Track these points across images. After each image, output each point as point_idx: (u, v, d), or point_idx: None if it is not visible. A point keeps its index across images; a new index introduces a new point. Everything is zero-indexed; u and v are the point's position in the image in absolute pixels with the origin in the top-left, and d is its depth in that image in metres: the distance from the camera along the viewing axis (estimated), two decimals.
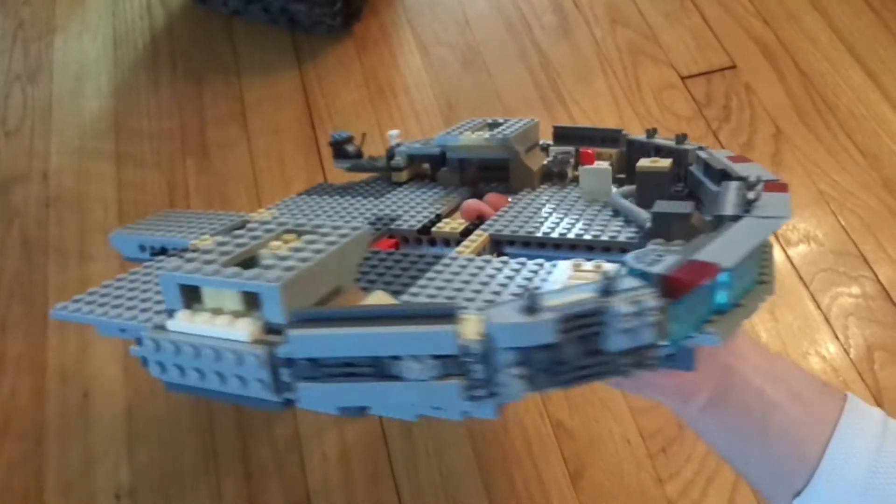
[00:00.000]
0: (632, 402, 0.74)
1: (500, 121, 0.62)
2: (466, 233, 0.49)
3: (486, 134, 0.60)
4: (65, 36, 1.15)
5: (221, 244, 0.35)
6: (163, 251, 0.55)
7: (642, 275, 0.30)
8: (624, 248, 0.45)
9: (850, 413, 0.40)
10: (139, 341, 0.33)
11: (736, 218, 0.38)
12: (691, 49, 1.02)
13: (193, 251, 0.34)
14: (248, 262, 0.34)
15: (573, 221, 0.49)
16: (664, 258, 0.32)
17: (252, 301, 0.32)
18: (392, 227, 0.53)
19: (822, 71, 0.98)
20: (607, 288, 0.28)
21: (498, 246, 0.49)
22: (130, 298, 0.44)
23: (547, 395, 0.75)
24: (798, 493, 0.39)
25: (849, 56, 0.99)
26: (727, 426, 0.42)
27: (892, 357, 0.75)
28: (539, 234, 0.47)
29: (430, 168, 0.66)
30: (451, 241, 0.50)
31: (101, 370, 0.81)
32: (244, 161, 0.97)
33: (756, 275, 0.36)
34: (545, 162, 0.60)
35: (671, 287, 0.30)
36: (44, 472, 0.75)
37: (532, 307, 0.27)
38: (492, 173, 0.61)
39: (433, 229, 0.51)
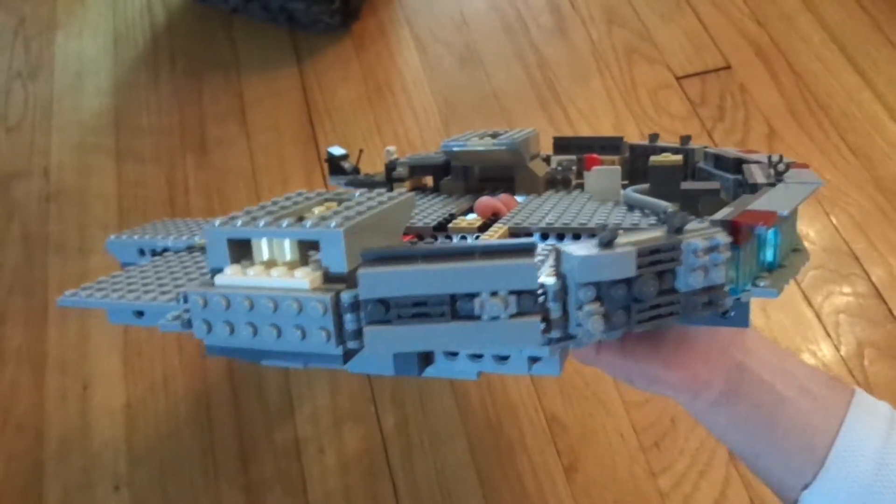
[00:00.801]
0: (625, 397, 0.75)
1: (501, 132, 0.61)
2: (483, 228, 0.49)
3: (492, 141, 0.59)
4: (65, 33, 1.15)
5: (263, 208, 0.33)
6: (165, 252, 0.53)
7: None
8: None
9: (858, 407, 0.41)
10: (184, 299, 0.31)
11: (771, 185, 0.39)
12: (686, 49, 1.03)
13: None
14: (298, 220, 0.32)
15: (590, 214, 0.49)
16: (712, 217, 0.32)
17: (307, 255, 0.31)
18: (406, 224, 0.53)
19: (815, 71, 0.99)
20: (677, 228, 0.28)
21: (516, 237, 0.48)
22: (145, 285, 0.43)
23: (542, 389, 0.76)
24: (807, 486, 0.40)
25: (841, 56, 1.00)
26: (737, 420, 0.43)
27: (881, 354, 0.76)
28: (559, 224, 0.47)
29: (434, 178, 0.65)
30: (469, 235, 0.50)
31: (100, 363, 0.82)
32: (243, 157, 0.98)
33: (793, 242, 0.38)
34: (549, 169, 0.60)
35: (735, 231, 0.30)
36: (43, 464, 0.76)
37: (610, 242, 0.27)
38: (496, 181, 0.60)
39: (449, 225, 0.50)
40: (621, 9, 1.08)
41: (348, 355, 0.29)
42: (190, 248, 0.52)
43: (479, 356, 0.36)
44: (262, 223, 0.30)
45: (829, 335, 0.78)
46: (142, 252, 0.55)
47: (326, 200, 0.36)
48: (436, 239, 0.51)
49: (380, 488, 0.72)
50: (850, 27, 1.03)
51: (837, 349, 0.77)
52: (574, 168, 0.61)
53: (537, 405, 0.75)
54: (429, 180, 0.66)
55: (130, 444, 0.77)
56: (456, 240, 0.50)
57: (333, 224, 0.29)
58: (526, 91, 1.01)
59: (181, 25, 1.14)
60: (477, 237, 0.48)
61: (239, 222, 0.31)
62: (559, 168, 0.61)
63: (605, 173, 0.54)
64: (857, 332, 0.78)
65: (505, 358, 0.35)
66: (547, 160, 0.63)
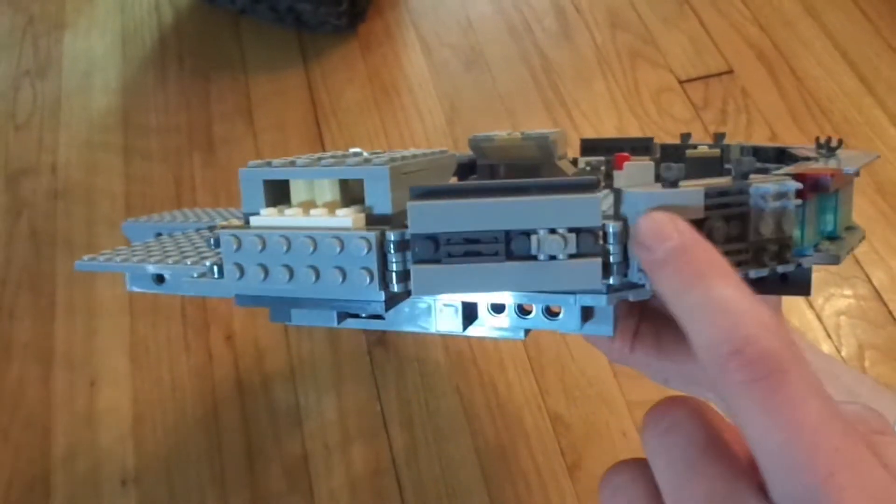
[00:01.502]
0: (628, 396, 0.76)
1: (527, 132, 0.60)
2: None
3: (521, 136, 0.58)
4: (74, 32, 1.16)
5: (300, 157, 0.32)
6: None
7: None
8: None
9: None
10: (216, 242, 0.29)
11: (825, 157, 0.38)
12: (689, 54, 1.04)
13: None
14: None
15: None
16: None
17: (348, 196, 0.29)
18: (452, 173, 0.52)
19: (817, 76, 1.00)
20: (744, 174, 0.27)
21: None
22: (167, 253, 0.41)
23: (545, 389, 0.77)
24: None
25: (843, 62, 1.01)
26: None
27: (882, 355, 0.77)
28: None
29: (458, 178, 0.63)
30: None
31: (107, 359, 0.83)
32: (250, 156, 0.99)
33: (848, 218, 0.37)
34: (576, 170, 0.59)
35: (802, 182, 0.28)
36: (50, 459, 0.77)
37: (675, 181, 0.25)
38: None
39: None
40: (625, 13, 1.09)
41: (391, 301, 0.28)
42: (212, 228, 0.50)
43: (528, 312, 0.34)
44: (301, 162, 0.29)
45: (829, 337, 0.78)
46: (159, 236, 0.53)
47: (366, 155, 0.35)
48: None
49: (384, 484, 0.73)
50: (851, 33, 1.04)
51: (838, 351, 0.77)
52: (602, 168, 0.60)
53: (541, 404, 0.76)
54: (453, 180, 0.65)
55: (137, 441, 0.77)
56: None
57: (378, 162, 0.28)
58: (531, 93, 1.02)
59: (189, 25, 1.15)
60: None
61: (276, 163, 0.29)
62: (587, 168, 0.60)
63: (638, 168, 0.52)
64: (857, 335, 0.79)
65: (555, 315, 0.33)
66: (574, 162, 0.62)
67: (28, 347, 0.85)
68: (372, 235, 0.26)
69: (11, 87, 1.09)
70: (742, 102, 0.98)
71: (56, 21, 1.17)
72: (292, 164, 0.29)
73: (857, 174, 0.34)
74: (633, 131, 0.96)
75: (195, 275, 0.34)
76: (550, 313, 0.33)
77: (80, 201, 0.97)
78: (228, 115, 1.04)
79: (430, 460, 0.74)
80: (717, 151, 0.49)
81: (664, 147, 0.60)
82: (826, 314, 0.80)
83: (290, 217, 0.28)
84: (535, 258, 0.25)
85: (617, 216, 0.26)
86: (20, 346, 0.85)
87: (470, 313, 0.34)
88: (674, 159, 0.57)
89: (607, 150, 0.61)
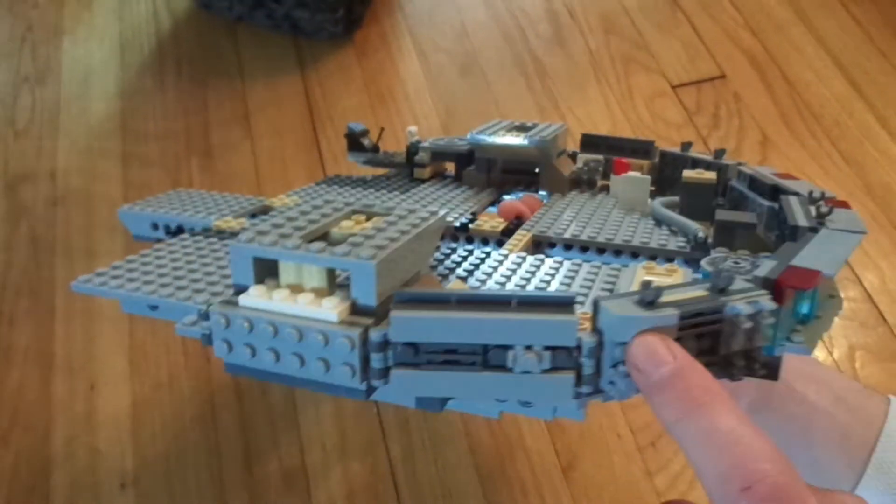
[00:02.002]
0: None
1: (529, 124, 0.60)
2: (506, 232, 0.47)
3: (521, 136, 0.58)
4: (72, 39, 1.17)
5: (290, 219, 0.32)
6: (179, 230, 0.52)
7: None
8: (670, 258, 0.43)
9: (895, 417, 0.39)
10: (205, 316, 0.30)
11: (813, 230, 0.37)
12: (682, 59, 1.05)
13: (252, 226, 0.32)
14: (323, 238, 0.32)
15: (616, 227, 0.47)
16: (743, 265, 0.31)
17: (334, 279, 0.30)
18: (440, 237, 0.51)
19: (808, 81, 1.01)
20: (721, 288, 0.28)
21: (539, 247, 0.47)
22: (161, 275, 0.41)
23: None
24: None
25: (834, 67, 1.02)
26: (770, 432, 0.41)
27: (873, 357, 0.78)
28: (584, 237, 0.45)
29: (456, 166, 0.64)
30: (491, 239, 0.48)
31: (106, 363, 0.83)
32: (247, 162, 1.00)
33: (830, 288, 0.36)
34: (575, 168, 0.59)
35: (778, 291, 0.29)
36: (50, 462, 0.77)
37: (652, 301, 0.26)
38: (519, 175, 0.59)
39: (471, 227, 0.48)
40: (618, 19, 1.10)
41: (371, 391, 0.29)
42: (206, 231, 0.50)
43: (504, 399, 0.35)
44: (289, 244, 0.29)
45: (821, 338, 0.79)
46: (155, 226, 0.53)
47: (355, 213, 0.35)
48: (456, 240, 0.49)
49: (381, 486, 0.73)
50: (842, 38, 1.05)
51: (830, 352, 0.78)
52: (601, 169, 0.59)
53: None
54: (450, 167, 0.65)
55: (136, 443, 0.78)
56: (477, 244, 0.48)
57: (365, 255, 0.28)
58: (525, 98, 1.03)
59: (186, 32, 1.16)
60: (499, 242, 0.46)
61: (266, 240, 0.30)
62: (585, 168, 0.59)
63: (633, 182, 0.53)
64: (849, 336, 0.79)
65: (530, 403, 0.34)
66: (573, 157, 0.62)
67: (28, 352, 0.85)
68: (355, 335, 0.27)
69: (11, 93, 1.10)
70: (734, 107, 0.99)
71: (55, 29, 1.18)
72: (282, 237, 0.30)
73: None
74: (627, 136, 0.97)
75: (187, 321, 0.35)
76: (525, 402, 0.34)
77: (79, 207, 0.98)
78: (226, 120, 1.05)
79: (426, 463, 0.75)
80: (713, 176, 0.50)
81: (664, 154, 0.60)
82: None
83: (278, 302, 0.29)
84: (510, 370, 0.26)
85: (593, 329, 0.27)
86: (20, 351, 0.85)
87: None
88: (670, 168, 0.57)
89: (607, 149, 0.61)
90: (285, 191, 0.97)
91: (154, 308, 0.41)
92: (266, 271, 0.30)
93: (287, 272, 0.30)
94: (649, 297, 0.26)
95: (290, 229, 0.31)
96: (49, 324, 0.87)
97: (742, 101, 1.00)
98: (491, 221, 0.49)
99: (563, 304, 0.26)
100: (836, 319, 0.35)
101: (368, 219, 0.34)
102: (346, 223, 0.34)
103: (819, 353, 0.78)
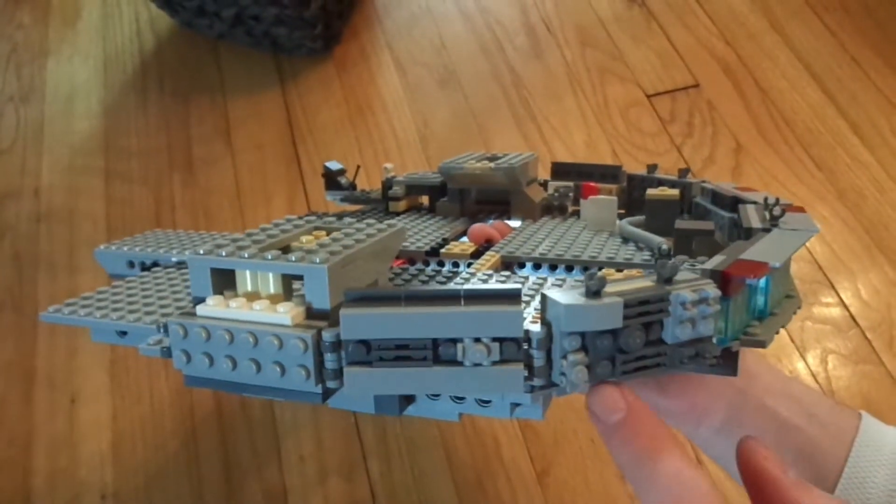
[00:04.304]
0: None
1: (500, 155, 0.60)
2: (476, 255, 0.47)
3: (490, 164, 0.58)
4: (57, 59, 1.19)
5: (251, 235, 0.33)
6: (154, 265, 0.52)
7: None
8: (639, 270, 0.43)
9: (866, 432, 0.40)
10: (164, 328, 0.31)
11: (766, 230, 0.38)
12: (657, 69, 1.06)
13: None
14: (282, 251, 0.32)
15: (584, 245, 0.48)
16: (703, 264, 0.32)
17: (291, 288, 0.30)
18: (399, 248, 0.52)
19: (781, 89, 1.02)
20: (667, 278, 0.28)
21: (509, 267, 0.47)
22: (131, 303, 0.42)
23: None
24: None
25: (806, 74, 1.03)
26: None
27: (844, 360, 0.79)
28: (552, 255, 0.46)
29: (429, 199, 0.65)
30: (461, 261, 0.48)
31: (87, 377, 0.84)
32: (228, 176, 1.01)
33: (786, 287, 0.37)
34: (545, 195, 0.60)
35: (725, 282, 0.29)
36: (31, 475, 0.78)
37: (597, 291, 0.26)
38: (492, 205, 0.60)
39: (442, 251, 0.48)
40: (594, 31, 1.12)
41: (327, 394, 0.29)
42: (180, 264, 0.51)
43: (462, 399, 0.35)
44: (246, 254, 0.30)
45: (793, 341, 0.80)
46: (131, 264, 0.54)
47: (316, 228, 0.36)
48: (427, 264, 0.49)
49: (358, 494, 0.74)
50: (815, 47, 1.06)
51: (802, 356, 0.79)
52: (571, 195, 0.60)
53: None
54: (425, 200, 0.66)
55: (116, 456, 0.79)
56: (448, 266, 0.48)
57: (318, 259, 0.29)
58: (502, 110, 1.04)
59: (169, 51, 1.18)
60: (469, 264, 0.46)
61: (223, 252, 0.30)
62: (556, 194, 0.60)
63: (601, 203, 0.54)
64: (821, 340, 0.80)
65: (487, 402, 0.35)
66: (544, 185, 0.63)
67: (10, 367, 0.86)
68: (308, 336, 0.27)
69: None
70: (708, 115, 1.01)
71: (39, 49, 1.20)
72: (239, 249, 0.30)
73: (787, 261, 0.34)
74: (602, 145, 0.99)
75: (151, 341, 0.35)
76: (483, 401, 0.35)
77: (62, 224, 0.99)
78: (207, 136, 1.06)
79: (403, 470, 0.75)
80: (676, 193, 0.51)
81: (631, 177, 0.62)
82: None
83: (234, 310, 0.29)
84: (461, 363, 0.26)
85: (543, 321, 0.27)
86: (2, 366, 0.86)
87: (409, 397, 0.36)
88: (639, 190, 0.58)
89: (577, 175, 0.63)
90: (265, 202, 0.99)
91: (123, 334, 0.41)
92: (224, 283, 0.31)
93: (244, 282, 0.31)
94: (594, 287, 0.26)
95: (249, 242, 0.32)
96: (31, 339, 0.88)
97: (716, 110, 1.01)
98: (461, 245, 0.50)
99: (509, 296, 0.26)
100: (794, 316, 0.36)
101: (329, 234, 0.35)
102: (306, 238, 0.34)
103: (792, 356, 0.79)
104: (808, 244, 0.87)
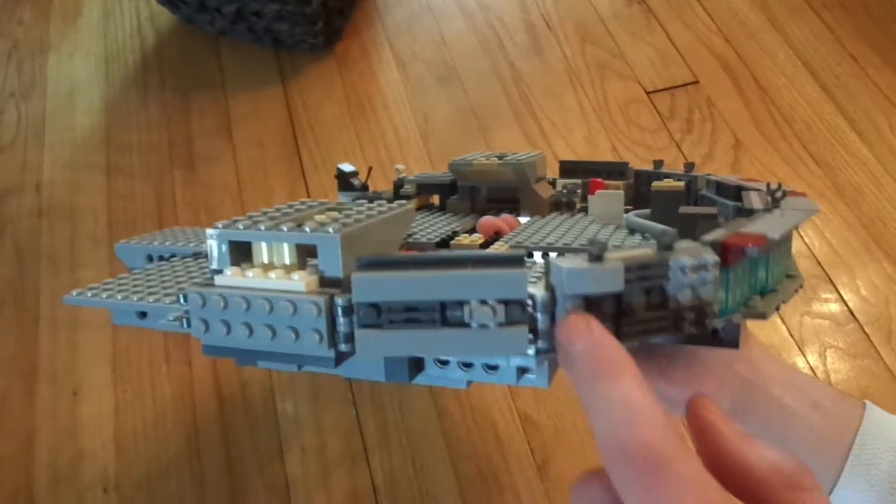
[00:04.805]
0: None
1: (508, 154, 0.61)
2: (485, 246, 0.49)
3: (499, 161, 0.60)
4: (58, 55, 1.19)
5: (267, 213, 0.34)
6: (172, 258, 0.54)
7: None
8: None
9: (870, 421, 0.40)
10: (183, 298, 0.31)
11: (768, 210, 0.39)
12: (656, 65, 1.07)
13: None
14: (298, 226, 0.33)
15: (591, 236, 0.48)
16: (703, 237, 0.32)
17: (305, 259, 0.32)
18: (409, 240, 0.52)
19: (780, 85, 1.03)
20: (667, 245, 0.29)
21: None
22: (150, 287, 0.43)
23: (515, 391, 0.79)
24: None
25: (805, 71, 1.04)
26: None
27: (843, 353, 0.79)
28: (559, 245, 0.47)
29: (440, 198, 0.66)
30: None
31: (89, 370, 0.84)
32: (229, 172, 1.02)
33: (787, 267, 0.37)
34: (554, 192, 0.61)
35: (725, 252, 0.30)
36: (34, 468, 0.78)
37: (599, 256, 0.27)
38: (502, 203, 0.61)
39: (451, 242, 0.50)
40: (594, 27, 1.12)
41: (340, 358, 0.30)
42: (197, 255, 0.52)
43: (470, 365, 0.36)
44: (262, 227, 0.31)
45: (791, 336, 0.81)
46: (150, 258, 0.55)
47: (329, 210, 0.37)
48: None
49: (359, 483, 0.75)
50: (813, 44, 1.07)
51: (801, 350, 0.80)
52: (579, 192, 0.61)
53: (511, 406, 0.78)
54: (436, 199, 0.67)
55: (118, 449, 0.79)
56: None
57: (331, 230, 0.30)
58: (502, 106, 1.05)
59: (170, 47, 1.18)
60: None
61: (241, 225, 0.32)
62: (564, 191, 0.61)
63: (608, 197, 0.55)
64: (820, 334, 0.81)
65: (494, 368, 0.36)
66: (553, 184, 0.64)
67: (12, 361, 0.86)
68: (321, 300, 0.28)
69: None
70: (707, 111, 1.01)
71: (41, 45, 1.20)
72: (255, 223, 0.32)
73: (788, 238, 0.35)
74: (602, 141, 0.99)
75: (171, 318, 0.36)
76: (490, 367, 0.36)
77: (63, 219, 0.99)
78: (208, 132, 1.06)
79: (403, 460, 0.76)
80: (681, 186, 0.52)
81: (638, 173, 0.62)
82: (788, 314, 0.82)
83: (251, 279, 0.30)
84: (468, 325, 0.27)
85: (547, 285, 0.28)
86: (4, 360, 0.86)
87: (418, 364, 0.37)
88: (645, 186, 0.59)
89: (584, 173, 0.64)
90: (266, 198, 0.99)
91: (143, 315, 0.42)
92: (242, 255, 0.32)
93: (260, 253, 0.32)
94: (596, 252, 0.27)
95: (265, 218, 0.33)
96: (33, 333, 0.88)
97: (715, 106, 1.02)
98: (471, 238, 0.51)
99: (513, 260, 0.27)
100: (797, 295, 0.36)
101: (340, 213, 0.36)
102: (319, 217, 0.35)
103: (791, 350, 0.80)
104: (807, 240, 0.87)
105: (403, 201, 0.37)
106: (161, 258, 0.54)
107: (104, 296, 0.42)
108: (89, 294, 0.43)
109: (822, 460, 0.39)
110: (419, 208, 0.66)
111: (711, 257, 0.29)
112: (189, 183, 1.01)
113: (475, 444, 0.76)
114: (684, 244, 0.30)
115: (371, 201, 0.66)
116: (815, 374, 0.78)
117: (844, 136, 0.97)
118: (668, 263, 0.28)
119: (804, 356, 0.79)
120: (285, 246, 0.31)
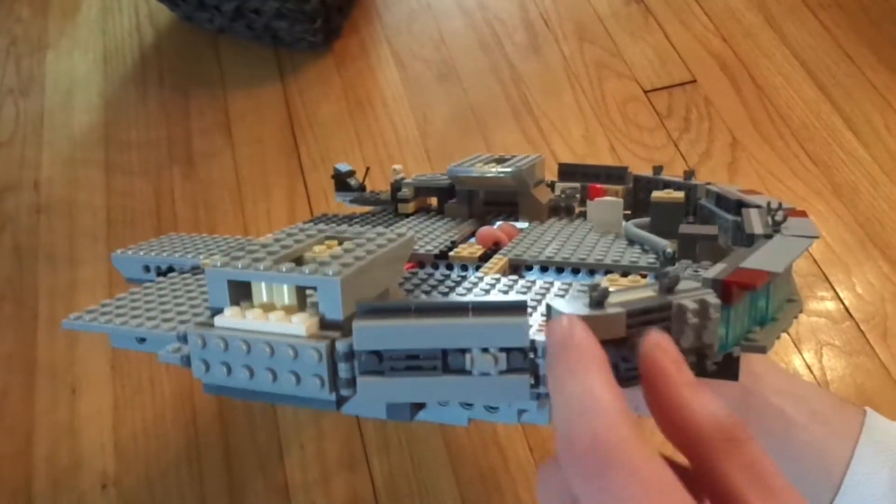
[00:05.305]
0: None
1: (507, 157, 0.61)
2: (484, 258, 0.49)
3: (497, 167, 0.59)
4: (56, 52, 1.19)
5: (265, 246, 0.34)
6: (170, 270, 0.53)
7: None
8: (643, 274, 0.44)
9: (871, 429, 0.40)
10: (183, 338, 0.31)
11: (768, 237, 0.39)
12: (654, 64, 1.07)
13: (230, 258, 0.33)
14: (296, 262, 0.33)
15: (590, 247, 0.49)
16: (705, 272, 0.32)
17: (305, 298, 0.31)
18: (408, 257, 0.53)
19: (777, 85, 1.03)
20: (669, 288, 0.29)
21: (516, 270, 0.48)
22: (149, 310, 0.43)
23: None
24: None
25: (802, 71, 1.04)
26: None
27: (839, 351, 0.80)
28: (558, 258, 0.47)
29: (438, 201, 0.66)
30: (470, 265, 0.49)
31: (88, 367, 0.85)
32: (228, 169, 1.02)
33: (788, 292, 0.37)
34: (552, 196, 0.61)
35: (726, 291, 0.30)
36: (33, 465, 0.78)
37: (600, 301, 0.27)
38: (500, 207, 0.61)
39: (450, 254, 0.50)
40: (592, 27, 1.13)
41: (341, 401, 0.30)
42: (195, 269, 0.52)
43: (470, 405, 0.37)
44: (261, 266, 0.31)
45: (788, 334, 0.81)
46: (147, 268, 0.55)
47: (328, 238, 0.37)
48: (436, 267, 0.50)
49: (360, 486, 0.75)
50: (810, 43, 1.07)
51: (798, 348, 0.80)
52: (578, 196, 0.61)
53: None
54: (434, 201, 0.66)
55: (117, 445, 0.79)
56: (456, 269, 0.49)
57: (331, 272, 0.30)
58: (501, 105, 1.05)
59: (169, 44, 1.18)
60: (477, 267, 0.47)
61: (240, 264, 0.31)
62: (563, 196, 0.61)
63: (607, 205, 0.55)
64: (816, 332, 0.81)
65: (495, 408, 0.36)
66: (551, 186, 0.64)
67: (11, 358, 0.86)
68: (322, 347, 0.28)
69: None
70: (705, 110, 1.02)
71: (39, 42, 1.20)
72: (255, 261, 0.32)
73: (789, 267, 0.35)
74: (600, 140, 1.00)
75: (170, 349, 0.36)
76: (491, 407, 0.36)
77: (62, 216, 0.99)
78: (207, 129, 1.06)
79: (404, 463, 0.76)
80: (680, 197, 0.52)
81: (637, 178, 0.62)
82: None
83: (251, 320, 0.30)
84: (469, 373, 0.27)
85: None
86: (3, 357, 0.86)
87: (419, 403, 0.37)
88: (644, 192, 0.59)
89: (583, 176, 0.63)
90: (265, 197, 0.99)
91: (142, 341, 0.42)
92: (241, 294, 0.32)
93: (260, 293, 0.32)
94: (598, 297, 0.27)
95: (264, 254, 0.33)
96: (31, 330, 0.88)
97: (712, 105, 1.02)
98: (469, 248, 0.50)
99: (515, 308, 0.27)
100: (796, 321, 0.36)
101: (340, 244, 0.36)
102: (318, 248, 0.35)
103: (787, 348, 0.80)
104: None
105: (403, 225, 0.37)
106: (158, 269, 0.54)
107: (102, 320, 0.42)
108: (87, 318, 0.43)
109: (823, 469, 0.39)
110: (416, 211, 0.65)
111: (713, 300, 0.28)
112: (188, 180, 1.01)
113: (474, 443, 0.76)
114: (686, 283, 0.30)
115: (369, 203, 0.68)
116: (811, 371, 0.78)
117: (841, 135, 0.98)
118: (669, 307, 0.28)
119: (800, 354, 0.80)
120: (285, 287, 0.31)
